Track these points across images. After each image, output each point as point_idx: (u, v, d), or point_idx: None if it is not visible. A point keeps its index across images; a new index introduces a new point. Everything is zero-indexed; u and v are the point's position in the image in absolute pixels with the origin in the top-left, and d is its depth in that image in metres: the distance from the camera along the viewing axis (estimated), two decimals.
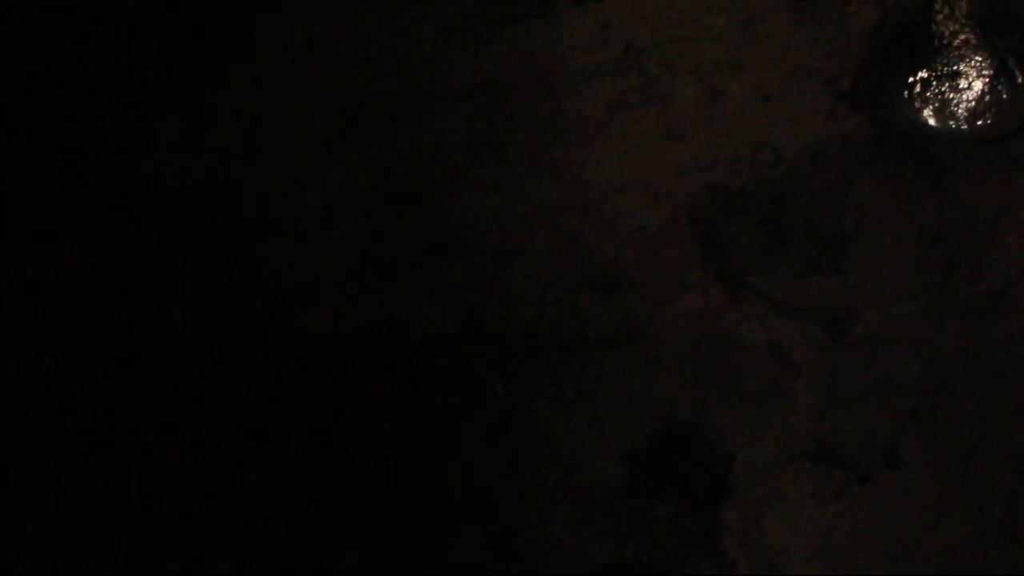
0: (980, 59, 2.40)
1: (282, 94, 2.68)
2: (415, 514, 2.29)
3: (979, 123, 2.40)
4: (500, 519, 2.23)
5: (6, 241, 2.74)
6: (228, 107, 2.71)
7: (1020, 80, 2.38)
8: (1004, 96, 2.37)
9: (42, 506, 2.42)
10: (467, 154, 2.48)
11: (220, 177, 2.65)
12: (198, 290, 2.57)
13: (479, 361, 2.33)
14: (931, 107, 2.41)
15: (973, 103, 2.40)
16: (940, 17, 2.40)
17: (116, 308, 2.60)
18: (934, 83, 2.42)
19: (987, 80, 2.39)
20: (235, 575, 2.28)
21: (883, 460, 2.15)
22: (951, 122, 2.41)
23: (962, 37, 2.41)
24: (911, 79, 2.42)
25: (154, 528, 2.35)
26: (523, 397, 2.29)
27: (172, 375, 2.50)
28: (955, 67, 2.41)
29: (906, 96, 2.42)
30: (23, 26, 2.89)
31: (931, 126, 2.41)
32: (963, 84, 2.41)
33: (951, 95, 2.41)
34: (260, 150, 2.64)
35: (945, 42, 2.41)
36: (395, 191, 2.52)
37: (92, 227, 2.68)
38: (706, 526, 2.17)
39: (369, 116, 2.59)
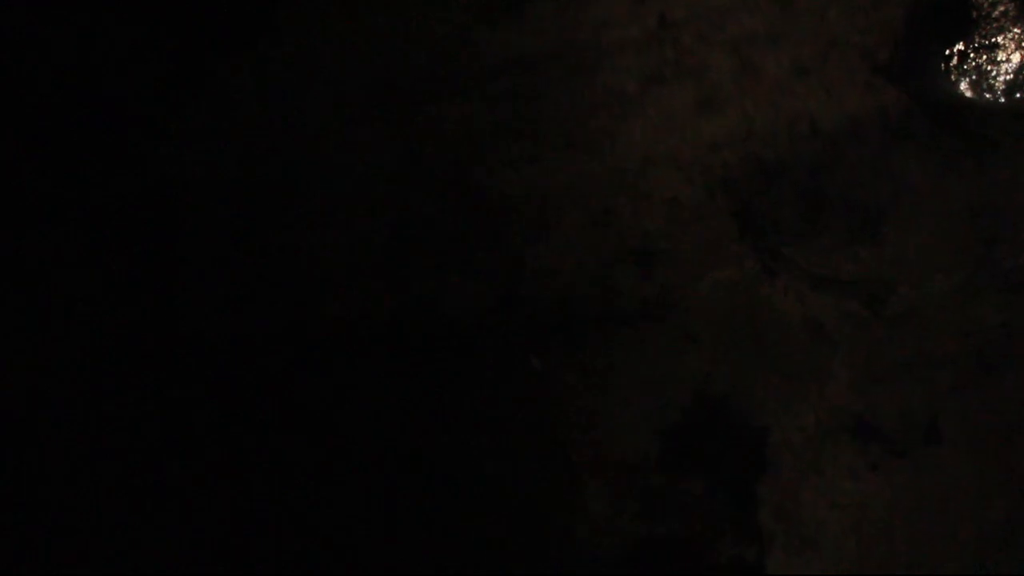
0: (1019, 31, 2.37)
1: (307, 79, 2.67)
2: (448, 490, 2.29)
3: (1018, 95, 2.37)
4: (534, 494, 2.22)
5: (28, 233, 2.74)
6: (253, 94, 2.70)
7: None
8: None
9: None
10: (499, 130, 2.46)
11: (245, 164, 2.64)
12: (224, 278, 2.57)
13: (513, 337, 2.32)
14: (969, 79, 2.39)
15: (1012, 75, 2.37)
16: None
17: (139, 298, 2.60)
18: (972, 55, 2.39)
19: None
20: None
21: (922, 435, 2.13)
22: (989, 95, 2.38)
23: (1001, 8, 2.37)
24: (948, 51, 2.39)
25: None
26: (557, 372, 2.28)
27: (197, 362, 2.49)
28: (993, 39, 2.38)
29: (943, 68, 2.39)
30: (43, 16, 2.90)
31: (969, 98, 2.38)
32: (1001, 56, 2.38)
33: (989, 67, 2.38)
34: (286, 136, 2.64)
35: (983, 13, 2.38)
36: (425, 171, 2.51)
37: (115, 217, 2.67)
38: (742, 500, 2.15)
39: (397, 98, 2.58)
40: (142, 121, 2.78)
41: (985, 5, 2.38)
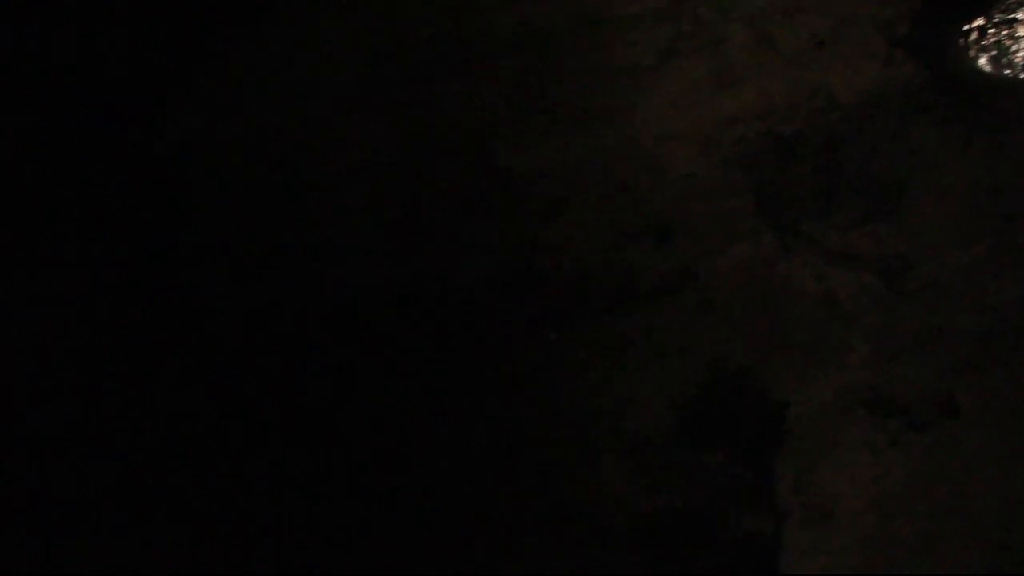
0: None
1: (321, 53, 2.67)
2: (463, 459, 2.28)
3: None
4: (549, 467, 2.22)
5: (31, 221, 2.72)
6: (265, 67, 2.70)
7: None
8: None
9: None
10: (513, 105, 2.46)
11: (256, 137, 2.64)
12: (234, 253, 2.56)
13: (528, 311, 2.32)
14: (988, 55, 2.37)
15: None
16: None
17: (147, 273, 2.58)
18: (991, 30, 2.37)
19: None
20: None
21: (940, 409, 2.12)
22: (1008, 70, 2.37)
23: None
24: (968, 26, 2.37)
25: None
26: (572, 346, 2.28)
27: (208, 338, 2.48)
28: (1013, 14, 2.37)
29: (963, 43, 2.37)
30: None
31: (988, 73, 2.36)
32: (1021, 32, 2.37)
33: (1009, 42, 2.37)
34: (298, 109, 2.64)
35: None
36: (438, 146, 2.51)
37: (125, 189, 2.67)
38: (759, 474, 2.14)
39: (412, 71, 2.58)
40: (148, 98, 2.77)
41: None
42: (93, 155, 2.74)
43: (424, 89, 2.52)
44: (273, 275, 2.52)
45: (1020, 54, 2.36)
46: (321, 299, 2.47)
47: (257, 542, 2.26)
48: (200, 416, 2.40)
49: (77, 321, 2.56)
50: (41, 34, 2.87)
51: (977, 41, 2.37)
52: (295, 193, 2.59)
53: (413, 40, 2.59)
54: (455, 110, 2.50)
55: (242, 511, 2.29)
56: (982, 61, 2.37)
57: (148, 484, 2.35)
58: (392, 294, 2.41)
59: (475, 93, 2.47)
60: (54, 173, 2.75)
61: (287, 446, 2.32)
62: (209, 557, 2.26)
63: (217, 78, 2.73)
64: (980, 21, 2.36)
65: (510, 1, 2.50)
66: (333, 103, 2.62)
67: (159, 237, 2.62)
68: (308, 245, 2.52)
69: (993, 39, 2.37)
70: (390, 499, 2.24)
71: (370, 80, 2.60)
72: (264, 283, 2.52)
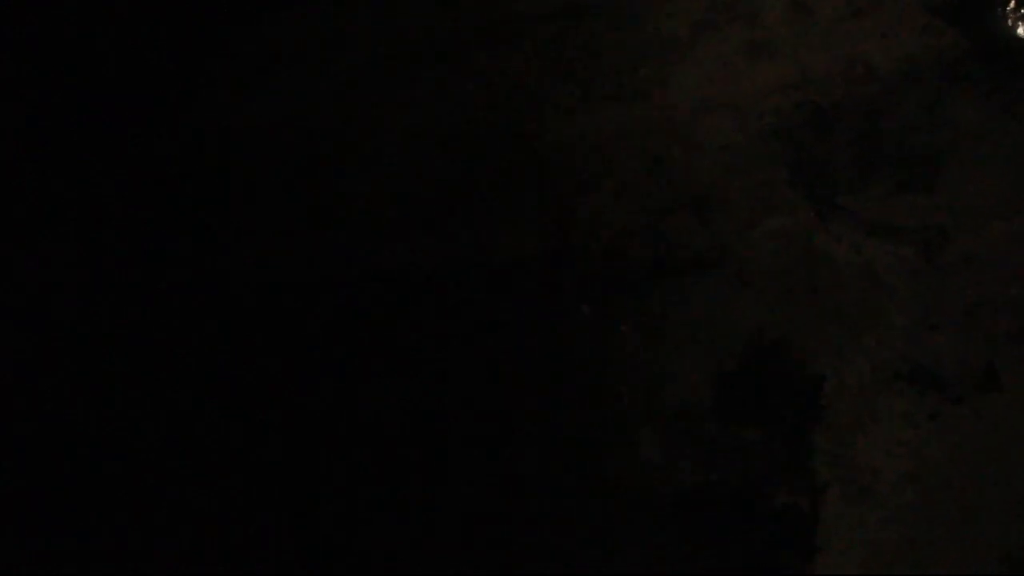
0: None
1: (335, 37, 2.65)
2: (495, 437, 2.28)
3: None
4: (586, 441, 2.22)
5: (41, 209, 2.70)
6: (294, 47, 2.69)
7: None
8: None
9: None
10: (547, 79, 2.44)
11: (294, 115, 2.63)
12: (271, 228, 2.56)
13: (564, 285, 2.31)
14: None
15: None
16: None
17: (147, 273, 2.56)
18: None
19: None
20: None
21: (980, 382, 2.10)
22: None
23: None
24: None
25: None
26: (609, 320, 2.27)
27: (208, 338, 2.47)
28: None
29: (1001, 12, 2.34)
30: None
31: None
32: None
33: None
34: (334, 87, 2.62)
35: None
36: (472, 121, 2.49)
37: (125, 189, 2.65)
38: (797, 448, 2.13)
39: (444, 48, 2.56)
40: (148, 98, 2.75)
41: None
42: (93, 155, 2.72)
43: (461, 64, 2.50)
44: (273, 275, 2.51)
45: None
46: (322, 298, 2.46)
47: (257, 542, 2.25)
48: (200, 416, 2.39)
49: (77, 321, 2.54)
50: (41, 34, 2.85)
51: (1016, 9, 2.34)
52: (296, 192, 2.58)
53: (450, 15, 2.57)
54: (492, 84, 2.48)
55: (242, 511, 2.29)
56: (1021, 30, 2.33)
57: (148, 484, 2.34)
58: (431, 269, 2.41)
59: (511, 67, 2.45)
60: (54, 173, 2.73)
61: (287, 446, 2.32)
62: (209, 557, 2.26)
63: (258, 54, 2.70)
64: None
65: None
66: (371, 79, 2.60)
67: (159, 237, 2.60)
68: (309, 244, 2.51)
69: None
70: (390, 499, 2.23)
71: (408, 56, 2.58)
72: (264, 283, 2.51)
